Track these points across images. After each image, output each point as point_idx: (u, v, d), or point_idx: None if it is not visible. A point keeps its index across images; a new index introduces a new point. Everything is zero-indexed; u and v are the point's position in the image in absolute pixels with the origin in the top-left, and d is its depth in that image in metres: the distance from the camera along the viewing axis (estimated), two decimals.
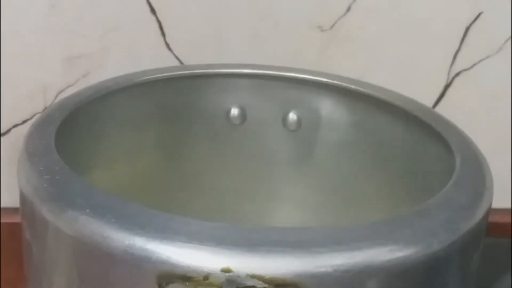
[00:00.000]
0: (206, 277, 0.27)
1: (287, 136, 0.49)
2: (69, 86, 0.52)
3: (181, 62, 0.52)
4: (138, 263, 0.28)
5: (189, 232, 0.28)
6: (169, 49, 0.52)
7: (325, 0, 0.51)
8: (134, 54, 0.52)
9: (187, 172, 0.50)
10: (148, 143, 0.47)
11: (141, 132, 0.46)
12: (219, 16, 0.51)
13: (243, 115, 0.49)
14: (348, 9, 0.52)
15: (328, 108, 0.48)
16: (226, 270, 0.27)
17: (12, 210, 0.54)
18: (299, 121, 0.49)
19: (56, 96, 0.52)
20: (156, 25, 0.51)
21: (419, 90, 0.47)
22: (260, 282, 0.27)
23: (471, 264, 0.33)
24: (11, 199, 0.54)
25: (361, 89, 0.46)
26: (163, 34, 0.51)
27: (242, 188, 0.51)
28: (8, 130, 0.53)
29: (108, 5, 0.50)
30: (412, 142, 0.43)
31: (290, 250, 0.28)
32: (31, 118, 0.52)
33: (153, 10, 0.51)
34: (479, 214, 0.32)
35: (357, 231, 0.30)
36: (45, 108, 0.52)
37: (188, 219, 0.29)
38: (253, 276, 0.27)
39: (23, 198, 0.34)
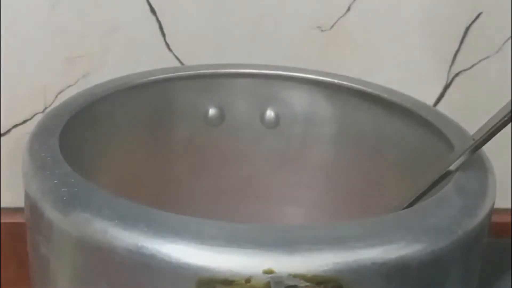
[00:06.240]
0: (248, 279, 0.27)
1: (266, 133, 0.49)
2: (69, 86, 0.52)
3: (181, 62, 0.52)
4: (177, 271, 0.27)
5: (226, 235, 0.28)
6: (169, 49, 0.52)
7: (325, 0, 0.51)
8: (134, 54, 0.52)
9: (180, 173, 0.49)
10: (144, 144, 0.47)
11: (138, 134, 0.46)
12: (219, 16, 0.51)
13: (221, 115, 0.48)
14: (348, 9, 0.52)
15: (306, 102, 0.48)
16: (268, 272, 0.27)
17: (12, 210, 0.54)
18: (277, 118, 0.49)
19: (56, 96, 0.52)
20: (156, 25, 0.51)
21: (419, 90, 0.47)
22: (302, 281, 0.27)
23: (473, 264, 0.33)
24: (11, 199, 0.54)
25: (339, 81, 0.46)
26: (163, 34, 0.51)
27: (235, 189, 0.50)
28: (8, 130, 0.53)
29: (108, 5, 0.50)
30: (409, 137, 0.43)
31: (329, 247, 0.28)
32: (31, 118, 0.52)
33: (153, 10, 0.51)
34: (482, 213, 0.32)
35: (386, 223, 0.30)
36: (45, 109, 0.52)
37: (222, 223, 0.29)
38: (295, 276, 0.27)
39: (38, 213, 0.32)
